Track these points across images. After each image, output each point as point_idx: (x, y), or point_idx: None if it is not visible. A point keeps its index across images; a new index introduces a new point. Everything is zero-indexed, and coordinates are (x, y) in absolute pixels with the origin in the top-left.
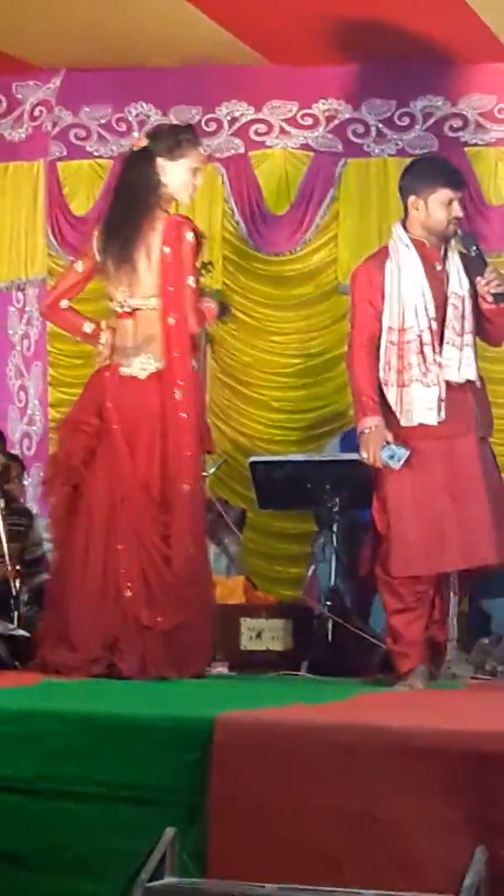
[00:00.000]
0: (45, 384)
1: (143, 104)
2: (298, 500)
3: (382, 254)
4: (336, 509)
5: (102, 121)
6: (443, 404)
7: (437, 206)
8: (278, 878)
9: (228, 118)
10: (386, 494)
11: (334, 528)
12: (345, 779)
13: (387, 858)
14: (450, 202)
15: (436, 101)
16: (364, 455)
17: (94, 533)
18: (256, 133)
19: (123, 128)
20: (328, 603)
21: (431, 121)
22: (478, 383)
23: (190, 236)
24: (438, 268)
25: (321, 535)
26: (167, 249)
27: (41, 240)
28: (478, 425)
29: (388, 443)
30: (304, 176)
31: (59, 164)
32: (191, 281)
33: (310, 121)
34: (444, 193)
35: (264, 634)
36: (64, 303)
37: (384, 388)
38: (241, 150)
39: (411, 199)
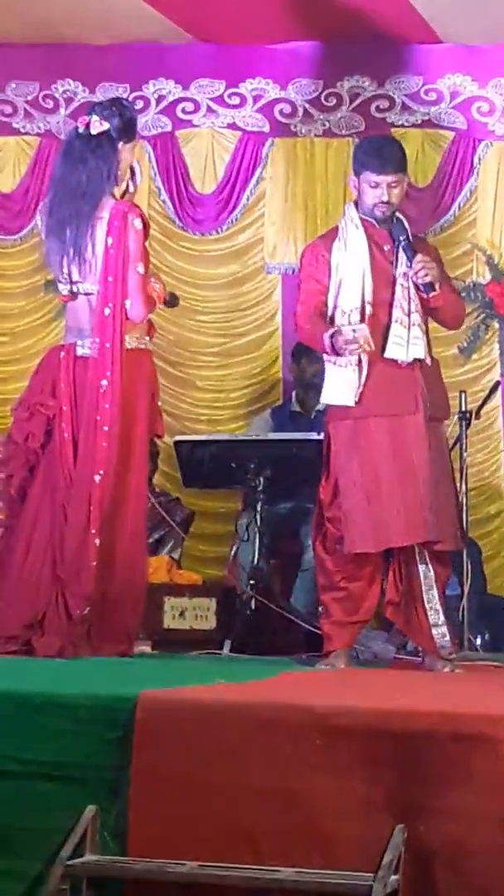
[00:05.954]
0: None
1: (71, 81)
2: (223, 480)
3: (333, 232)
4: (260, 489)
5: (29, 97)
6: (359, 387)
7: (366, 188)
8: (198, 855)
9: (156, 96)
10: (334, 472)
11: (258, 508)
12: (265, 757)
13: (306, 836)
14: (375, 185)
15: (362, 82)
16: (333, 358)
17: (42, 515)
18: (184, 111)
19: (50, 104)
20: (251, 582)
21: (358, 101)
22: (428, 362)
23: (137, 223)
24: (387, 248)
25: (245, 514)
26: (110, 240)
27: None
28: (426, 405)
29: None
30: (230, 155)
31: None
32: (139, 268)
33: (237, 100)
34: (368, 176)
35: (187, 613)
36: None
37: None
38: (169, 129)
39: (352, 178)
